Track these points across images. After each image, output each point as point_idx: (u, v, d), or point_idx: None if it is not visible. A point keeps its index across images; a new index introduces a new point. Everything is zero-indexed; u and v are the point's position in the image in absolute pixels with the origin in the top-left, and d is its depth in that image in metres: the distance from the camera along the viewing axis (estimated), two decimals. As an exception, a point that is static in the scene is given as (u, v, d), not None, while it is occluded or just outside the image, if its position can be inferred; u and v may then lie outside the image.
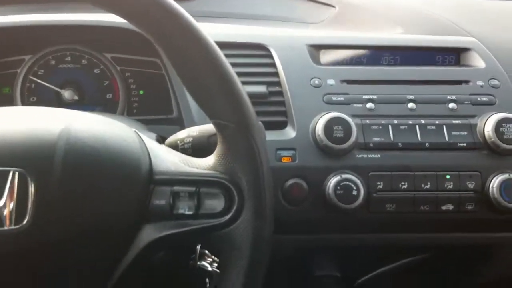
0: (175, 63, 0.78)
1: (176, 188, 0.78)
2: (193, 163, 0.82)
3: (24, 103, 1.22)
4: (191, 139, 0.90)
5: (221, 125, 0.78)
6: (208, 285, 0.84)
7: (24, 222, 0.69)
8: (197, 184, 0.78)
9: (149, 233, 0.77)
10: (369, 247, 1.16)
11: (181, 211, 0.78)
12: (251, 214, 0.78)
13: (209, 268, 0.84)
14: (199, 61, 0.76)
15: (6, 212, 0.69)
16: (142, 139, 0.81)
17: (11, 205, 0.69)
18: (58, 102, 1.22)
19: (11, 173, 0.70)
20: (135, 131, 0.82)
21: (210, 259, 0.84)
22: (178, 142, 0.90)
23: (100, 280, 0.77)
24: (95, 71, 1.25)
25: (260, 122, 0.82)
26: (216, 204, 0.78)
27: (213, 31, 0.80)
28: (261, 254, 0.78)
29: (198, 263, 0.84)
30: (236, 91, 0.77)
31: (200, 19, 0.77)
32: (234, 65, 0.79)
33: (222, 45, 0.80)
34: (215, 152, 0.81)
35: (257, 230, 0.78)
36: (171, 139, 0.93)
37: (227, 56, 0.78)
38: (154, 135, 0.98)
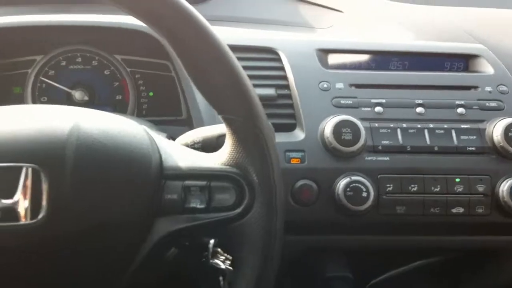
0: (185, 60, 0.78)
1: (187, 182, 0.79)
2: (203, 158, 0.82)
3: (35, 103, 1.22)
4: (201, 139, 0.90)
5: (230, 120, 0.79)
6: (221, 283, 0.84)
7: (40, 217, 0.70)
8: (208, 178, 0.79)
9: (161, 227, 0.77)
10: (379, 249, 1.16)
11: (192, 205, 0.78)
12: (262, 207, 0.78)
13: (222, 266, 0.84)
14: (209, 58, 0.76)
15: (21, 207, 0.70)
16: (151, 136, 0.82)
17: (26, 200, 0.70)
18: (69, 102, 1.22)
19: (24, 169, 0.70)
20: (144, 128, 0.83)
21: (223, 257, 0.84)
22: (188, 142, 0.91)
23: (115, 275, 0.77)
24: (106, 72, 1.25)
25: (270, 124, 0.82)
26: (227, 198, 0.79)
27: (224, 35, 0.80)
28: (273, 247, 0.79)
29: (211, 261, 0.84)
30: (245, 87, 0.78)
31: (212, 23, 0.78)
32: (244, 68, 0.80)
33: (233, 48, 0.80)
34: (224, 147, 0.82)
35: (268, 223, 0.78)
36: (180, 139, 0.93)
37: (237, 59, 0.79)
38: (164, 135, 0.98)
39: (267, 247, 0.78)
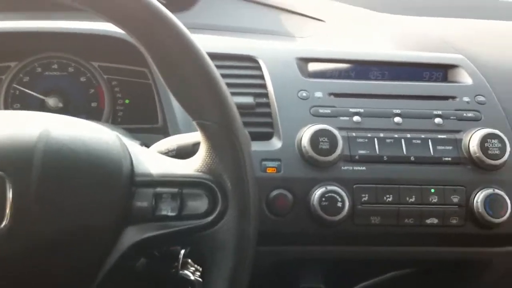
0: (160, 65, 0.77)
1: (159, 189, 0.77)
2: (176, 165, 0.81)
3: (7, 110, 1.20)
4: (175, 146, 0.89)
5: (205, 125, 0.78)
6: (190, 294, 0.83)
7: (2, 225, 0.69)
8: (180, 185, 0.78)
9: (131, 235, 0.76)
10: (354, 259, 1.15)
11: (163, 212, 0.77)
12: (235, 214, 0.77)
13: (192, 277, 0.83)
14: (184, 62, 0.76)
15: None
16: (123, 142, 0.81)
17: None
18: (42, 109, 1.20)
19: None
20: (116, 135, 0.81)
21: (193, 268, 0.84)
22: (162, 150, 0.90)
23: (82, 283, 0.76)
24: (81, 79, 1.24)
25: (246, 131, 0.81)
26: (199, 205, 0.78)
27: (204, 42, 0.80)
28: (246, 255, 0.78)
29: (181, 272, 0.83)
30: (220, 92, 0.77)
31: (194, 31, 0.78)
32: (223, 76, 0.79)
33: (212, 56, 0.80)
34: (197, 154, 0.81)
35: (241, 230, 0.77)
36: (155, 147, 0.92)
37: (216, 67, 0.78)
38: (138, 142, 0.97)
39: (239, 254, 0.77)
